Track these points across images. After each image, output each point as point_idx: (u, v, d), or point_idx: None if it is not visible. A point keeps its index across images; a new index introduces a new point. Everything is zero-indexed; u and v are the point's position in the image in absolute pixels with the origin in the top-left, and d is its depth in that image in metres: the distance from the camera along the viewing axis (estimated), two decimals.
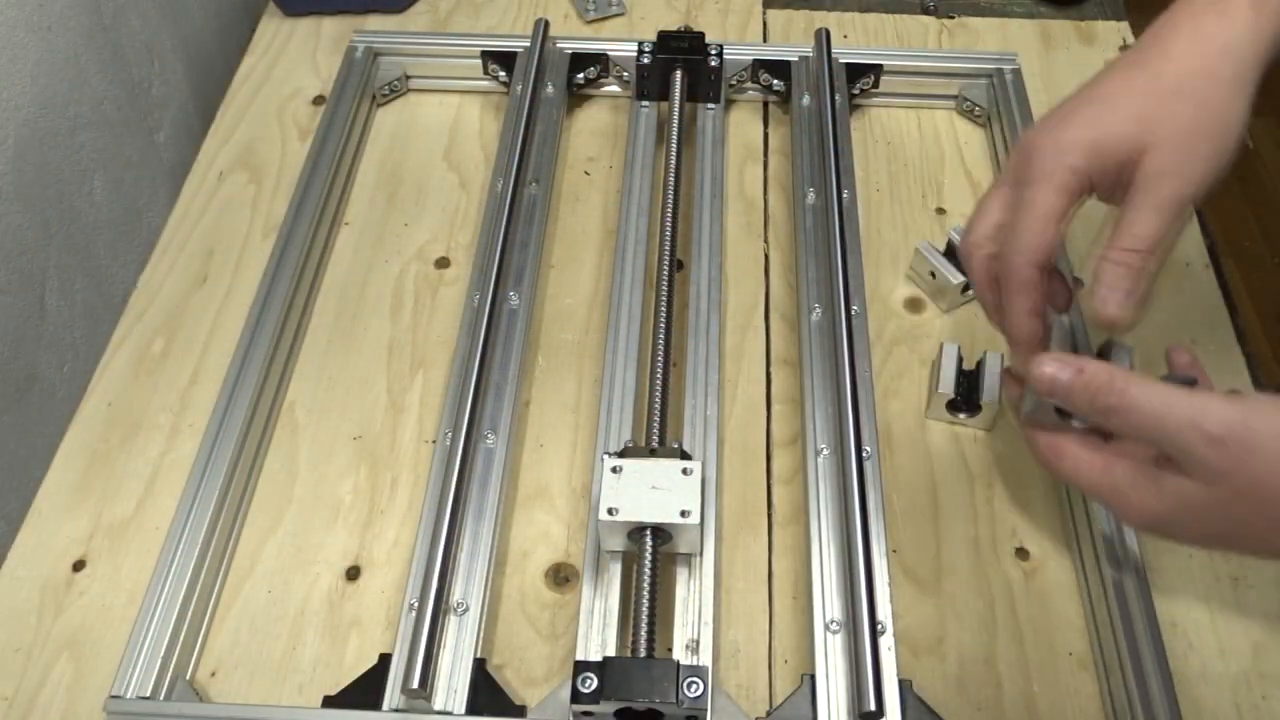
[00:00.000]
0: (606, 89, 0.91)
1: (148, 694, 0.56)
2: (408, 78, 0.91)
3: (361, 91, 0.87)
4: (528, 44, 0.87)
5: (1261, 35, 0.48)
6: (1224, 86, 0.47)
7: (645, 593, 0.56)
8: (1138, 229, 0.48)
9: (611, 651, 0.56)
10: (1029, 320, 0.51)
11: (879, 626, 0.56)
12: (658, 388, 0.66)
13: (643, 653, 0.54)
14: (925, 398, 0.70)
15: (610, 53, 0.89)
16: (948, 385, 0.68)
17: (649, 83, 0.85)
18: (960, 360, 0.69)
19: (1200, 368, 0.52)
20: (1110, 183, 0.49)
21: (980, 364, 0.69)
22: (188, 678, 0.59)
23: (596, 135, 0.88)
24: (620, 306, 0.72)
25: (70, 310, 0.77)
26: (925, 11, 0.97)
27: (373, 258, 0.80)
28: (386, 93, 0.90)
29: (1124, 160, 0.48)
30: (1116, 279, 0.48)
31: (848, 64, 0.87)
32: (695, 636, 0.57)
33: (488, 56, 0.89)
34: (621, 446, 0.62)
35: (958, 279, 0.73)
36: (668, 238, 0.73)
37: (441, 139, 0.88)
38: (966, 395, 0.68)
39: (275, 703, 0.58)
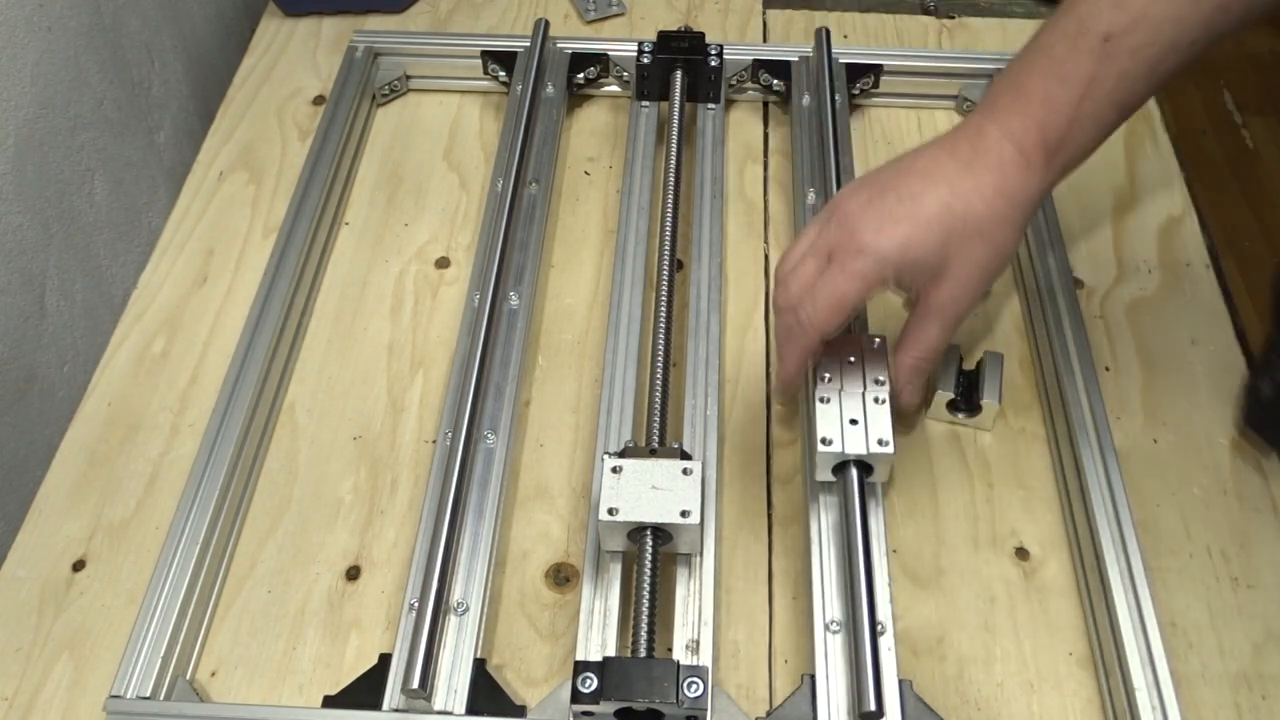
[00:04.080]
0: (606, 89, 0.91)
1: (148, 694, 0.56)
2: (408, 78, 0.91)
3: (361, 91, 0.87)
4: (528, 44, 0.87)
5: (1046, 182, 0.58)
6: (1013, 232, 0.57)
7: (645, 593, 0.56)
8: (926, 341, 0.60)
9: (611, 651, 0.56)
10: (799, 376, 0.63)
11: (879, 626, 0.55)
12: (658, 388, 0.66)
13: (643, 653, 0.54)
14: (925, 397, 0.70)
15: (610, 53, 0.89)
16: (948, 385, 0.68)
17: (649, 83, 0.85)
18: (960, 360, 0.69)
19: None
20: (905, 284, 0.59)
21: (980, 364, 0.69)
22: (188, 678, 0.59)
23: (596, 135, 0.88)
24: (620, 306, 0.72)
25: (70, 310, 0.77)
26: (925, 11, 0.97)
27: (373, 258, 0.80)
28: (386, 93, 0.90)
29: (921, 280, 0.58)
30: (911, 378, 0.63)
31: (848, 64, 0.87)
32: (695, 636, 0.57)
33: (488, 56, 0.89)
34: (621, 446, 0.62)
35: None
36: (668, 238, 0.73)
37: (441, 139, 0.88)
38: (966, 395, 0.68)
39: (275, 703, 0.58)
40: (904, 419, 0.68)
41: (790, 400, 0.69)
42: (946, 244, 0.56)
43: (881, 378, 0.62)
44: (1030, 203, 0.57)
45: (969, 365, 0.69)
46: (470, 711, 0.55)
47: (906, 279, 0.58)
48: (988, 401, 0.68)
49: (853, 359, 0.63)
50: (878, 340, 0.64)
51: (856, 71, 0.87)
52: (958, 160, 0.57)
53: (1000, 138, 0.56)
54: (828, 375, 0.63)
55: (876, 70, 0.87)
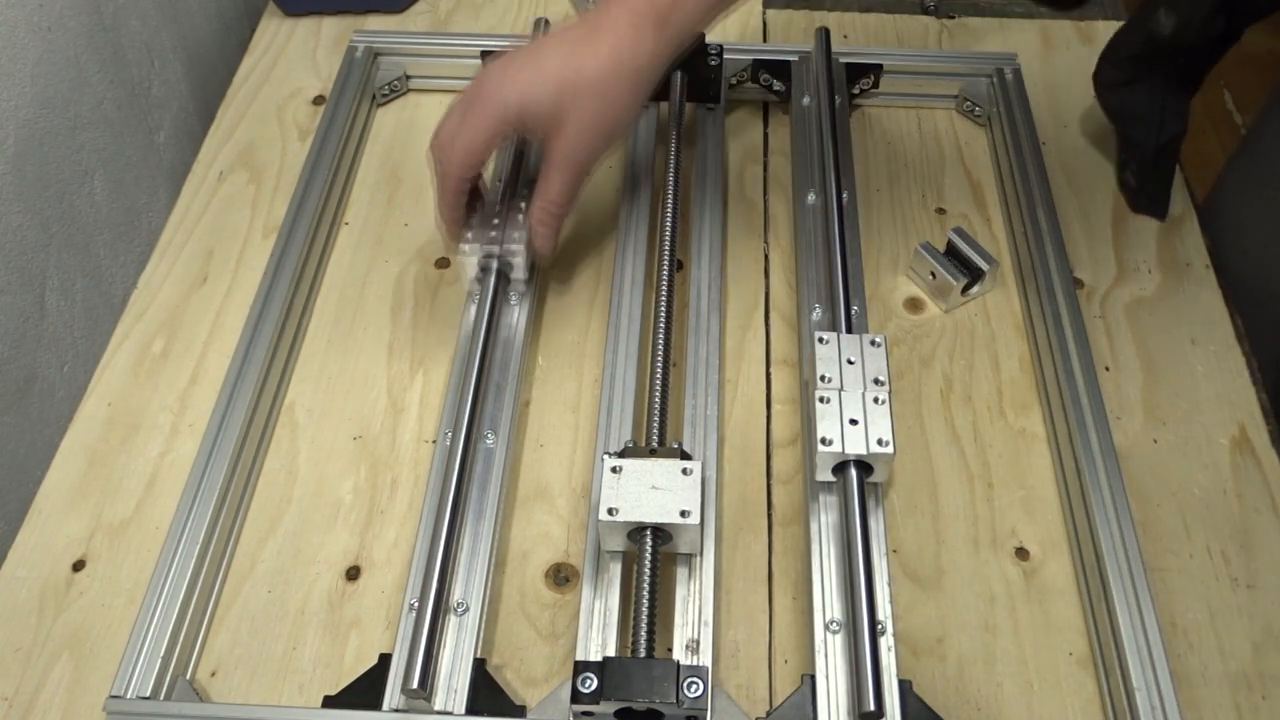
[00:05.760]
0: None
1: (148, 694, 0.56)
2: (408, 78, 0.91)
3: (361, 91, 0.87)
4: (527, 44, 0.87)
5: (659, 50, 0.65)
6: (625, 92, 0.65)
7: (645, 593, 0.56)
8: (551, 189, 0.68)
9: (611, 651, 0.56)
10: (454, 214, 0.69)
11: (879, 626, 0.56)
12: (658, 388, 0.65)
13: (643, 653, 0.54)
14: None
15: None
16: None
17: None
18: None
19: None
20: (530, 132, 0.67)
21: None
22: (188, 678, 0.59)
23: None
24: (620, 306, 0.72)
25: (70, 310, 0.77)
26: (925, 11, 0.97)
27: (373, 258, 0.80)
28: (386, 93, 0.90)
29: (543, 125, 0.66)
30: (543, 223, 0.70)
31: (848, 64, 0.87)
32: (695, 636, 0.57)
33: (488, 56, 0.88)
34: (621, 446, 0.62)
35: (958, 279, 0.73)
36: (668, 238, 0.73)
37: None
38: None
39: (275, 703, 0.58)
40: (541, 261, 0.75)
41: (456, 241, 0.70)
42: (561, 96, 0.64)
43: (881, 378, 0.62)
44: (642, 68, 0.65)
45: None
46: (470, 711, 0.55)
47: (530, 125, 0.65)
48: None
49: (852, 359, 0.63)
50: (877, 340, 0.64)
51: (856, 71, 0.87)
52: (583, 30, 0.65)
53: (619, 11, 0.64)
54: (828, 375, 0.63)
55: (876, 70, 0.87)
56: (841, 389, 0.62)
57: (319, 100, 0.90)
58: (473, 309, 0.70)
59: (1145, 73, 0.78)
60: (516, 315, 0.72)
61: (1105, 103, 0.82)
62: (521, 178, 0.75)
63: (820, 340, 0.65)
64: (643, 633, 0.55)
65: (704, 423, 0.66)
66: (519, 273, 0.71)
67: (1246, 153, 0.87)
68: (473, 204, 0.71)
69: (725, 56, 0.85)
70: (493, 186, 0.75)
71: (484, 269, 0.70)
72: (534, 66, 0.65)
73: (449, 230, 0.70)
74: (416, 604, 0.57)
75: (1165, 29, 0.74)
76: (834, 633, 0.57)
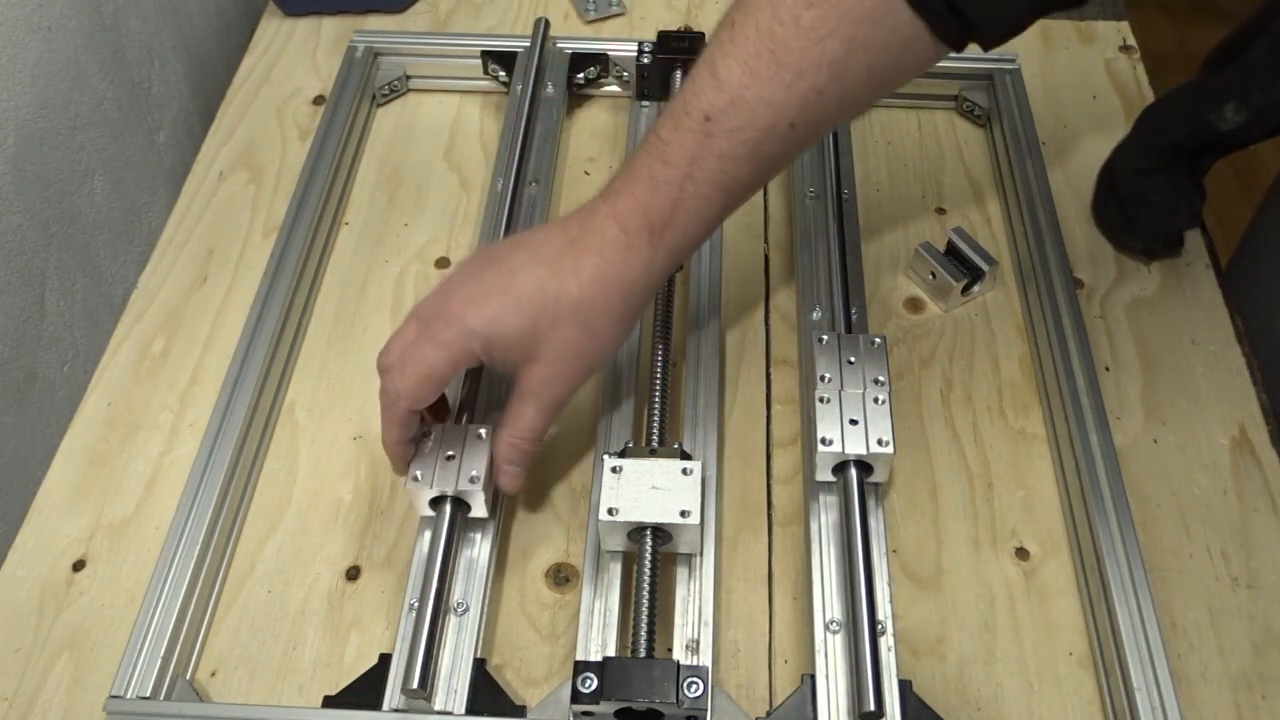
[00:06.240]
0: (606, 89, 0.91)
1: (148, 694, 0.56)
2: (408, 78, 0.91)
3: (361, 91, 0.87)
4: (528, 44, 0.87)
5: (654, 266, 0.56)
6: (611, 317, 0.56)
7: (645, 593, 0.56)
8: (525, 425, 0.58)
9: (611, 651, 0.56)
10: (400, 446, 0.59)
11: (879, 626, 0.56)
12: (657, 388, 0.66)
13: (643, 653, 0.54)
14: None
15: (610, 53, 0.89)
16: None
17: (649, 83, 0.85)
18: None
19: None
20: (496, 362, 0.58)
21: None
22: (188, 678, 0.59)
23: (596, 135, 0.88)
24: None
25: (70, 310, 0.77)
26: None
27: (373, 258, 0.80)
28: (386, 93, 0.90)
29: (513, 357, 0.57)
30: (511, 460, 0.60)
31: None
32: (695, 636, 0.57)
33: (488, 56, 0.89)
34: (621, 446, 0.62)
35: (958, 279, 0.73)
36: None
37: (441, 139, 0.88)
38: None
39: (275, 703, 0.58)
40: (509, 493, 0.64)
41: (403, 472, 0.60)
42: (536, 324, 0.55)
43: (882, 378, 0.62)
44: (631, 286, 0.56)
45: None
46: (470, 711, 0.55)
47: (499, 355, 0.56)
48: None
49: (852, 359, 0.63)
50: (877, 340, 0.64)
51: None
52: (566, 238, 0.56)
53: (607, 217, 0.55)
54: (828, 375, 0.63)
55: None
56: (841, 389, 0.62)
57: (319, 100, 0.90)
58: (426, 538, 0.61)
59: (1175, 162, 0.74)
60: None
61: (1120, 186, 0.77)
62: (483, 388, 0.65)
63: (820, 340, 0.65)
64: (643, 633, 0.55)
65: (704, 423, 0.66)
66: (478, 510, 0.60)
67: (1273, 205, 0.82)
68: (438, 413, 0.62)
69: None
70: (453, 400, 0.64)
71: (437, 503, 0.60)
72: (506, 288, 0.55)
73: (394, 462, 0.60)
74: (416, 604, 0.57)
75: (1228, 124, 0.68)
76: (834, 633, 0.57)
